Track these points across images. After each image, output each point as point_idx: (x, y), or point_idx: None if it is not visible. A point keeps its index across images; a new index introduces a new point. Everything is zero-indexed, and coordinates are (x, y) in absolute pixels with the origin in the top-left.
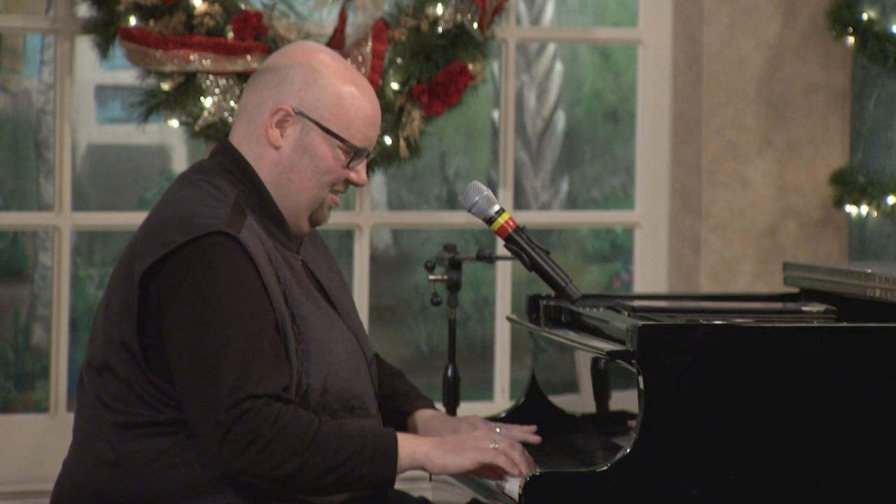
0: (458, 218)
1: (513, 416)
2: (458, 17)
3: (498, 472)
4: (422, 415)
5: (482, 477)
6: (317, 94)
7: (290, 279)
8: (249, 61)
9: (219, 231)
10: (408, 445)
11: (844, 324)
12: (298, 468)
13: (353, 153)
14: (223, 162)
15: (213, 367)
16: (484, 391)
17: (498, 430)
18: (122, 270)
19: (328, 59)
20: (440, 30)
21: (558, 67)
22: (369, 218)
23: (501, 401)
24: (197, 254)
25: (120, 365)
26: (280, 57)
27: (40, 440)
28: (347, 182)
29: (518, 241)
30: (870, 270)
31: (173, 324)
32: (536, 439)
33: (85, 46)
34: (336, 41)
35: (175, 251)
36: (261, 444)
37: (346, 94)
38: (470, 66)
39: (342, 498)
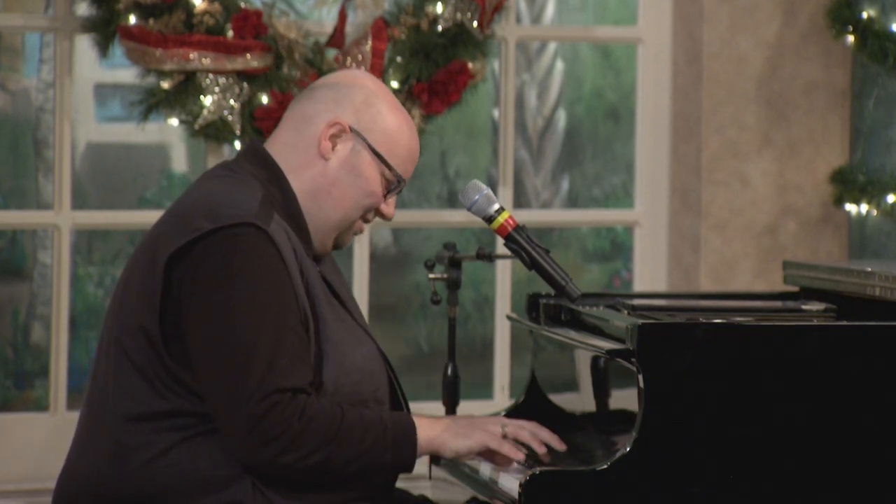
0: (458, 216)
1: (512, 415)
2: (458, 15)
3: (501, 460)
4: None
5: (487, 460)
6: (373, 118)
7: (312, 277)
8: (249, 60)
9: (248, 222)
10: (424, 430)
11: (844, 322)
12: (325, 459)
13: (396, 182)
14: (252, 161)
15: (241, 359)
16: (484, 390)
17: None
18: (143, 257)
19: (385, 91)
20: (440, 28)
21: (559, 66)
22: None
23: (501, 399)
24: (225, 242)
25: (136, 351)
26: (338, 76)
27: (40, 439)
28: (377, 212)
29: (518, 239)
30: (870, 269)
31: (198, 313)
32: (560, 447)
33: (84, 45)
34: (336, 40)
35: (202, 238)
36: (290, 435)
37: (399, 125)
38: (470, 65)
39: (347, 497)
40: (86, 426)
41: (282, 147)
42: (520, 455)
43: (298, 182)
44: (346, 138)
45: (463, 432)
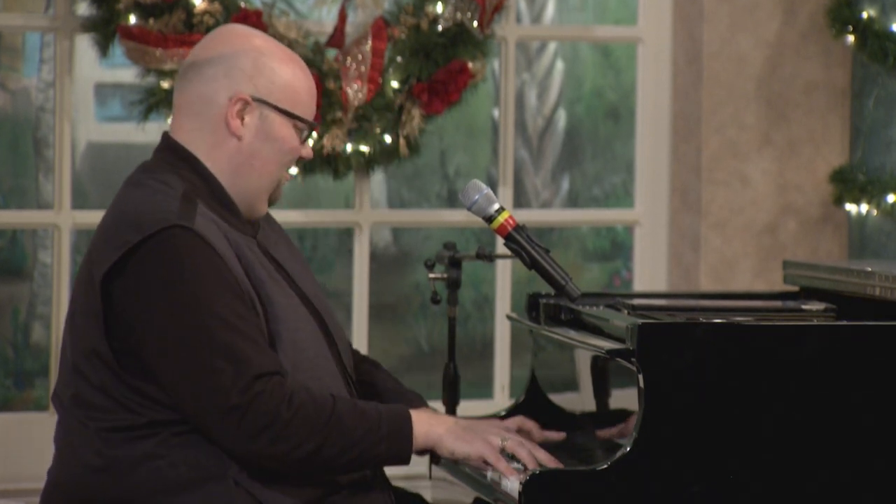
0: (458, 216)
1: (512, 415)
2: (458, 15)
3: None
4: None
5: (482, 469)
6: (269, 77)
7: (251, 259)
8: None
9: (172, 225)
10: (422, 425)
11: (844, 322)
12: (317, 447)
13: (309, 129)
14: (167, 157)
15: (206, 357)
16: (484, 389)
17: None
18: (82, 278)
19: (266, 43)
20: (440, 28)
21: (559, 66)
22: (369, 216)
23: (501, 399)
24: (156, 250)
25: (93, 373)
26: (216, 46)
27: (40, 439)
28: (299, 158)
29: (518, 239)
30: (870, 269)
31: (149, 325)
32: (555, 437)
33: (84, 44)
34: (336, 40)
35: (132, 251)
36: (280, 424)
37: (293, 73)
38: (470, 65)
39: (329, 489)
40: (65, 441)
41: (188, 134)
42: (515, 474)
43: (216, 164)
44: (251, 109)
45: (464, 436)
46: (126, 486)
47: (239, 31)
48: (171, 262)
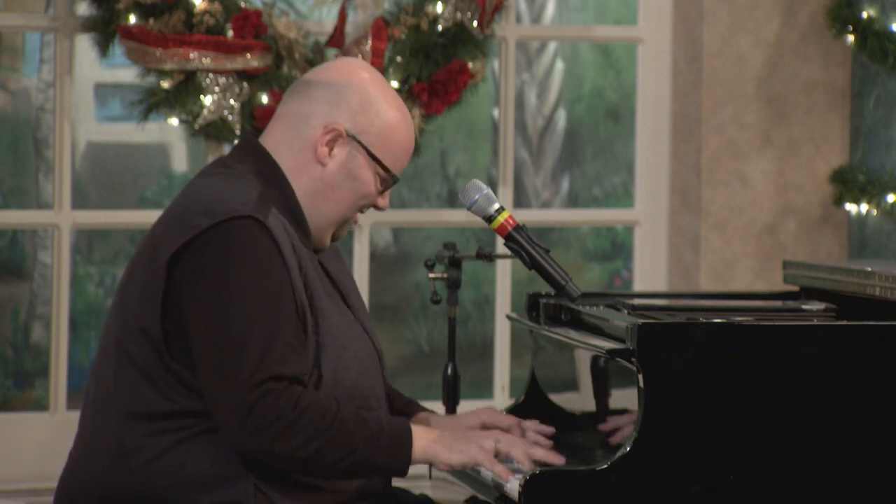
0: (459, 216)
1: (512, 414)
2: (458, 15)
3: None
4: (425, 416)
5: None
6: (371, 120)
7: (311, 272)
8: (249, 59)
9: (246, 215)
10: (420, 439)
11: (844, 322)
12: (319, 450)
13: (391, 182)
14: (248, 157)
15: (236, 347)
16: (484, 389)
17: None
18: (142, 258)
19: (381, 85)
20: (440, 28)
21: (559, 66)
22: (369, 216)
23: (501, 399)
24: (222, 236)
25: (138, 352)
26: (332, 72)
27: (40, 439)
28: (372, 205)
29: (518, 239)
30: (869, 269)
31: (196, 305)
32: (549, 430)
33: (85, 44)
34: (336, 40)
35: (200, 234)
36: (284, 424)
37: (395, 124)
38: (470, 65)
39: (347, 497)
40: (90, 425)
41: (277, 145)
42: (511, 478)
43: (296, 183)
44: (343, 143)
45: (458, 447)
46: (145, 479)
47: (359, 65)
48: (233, 249)
